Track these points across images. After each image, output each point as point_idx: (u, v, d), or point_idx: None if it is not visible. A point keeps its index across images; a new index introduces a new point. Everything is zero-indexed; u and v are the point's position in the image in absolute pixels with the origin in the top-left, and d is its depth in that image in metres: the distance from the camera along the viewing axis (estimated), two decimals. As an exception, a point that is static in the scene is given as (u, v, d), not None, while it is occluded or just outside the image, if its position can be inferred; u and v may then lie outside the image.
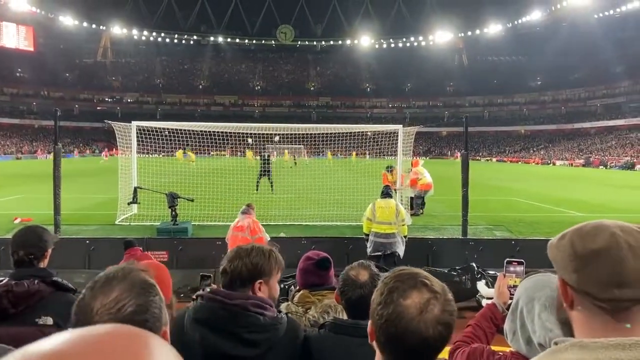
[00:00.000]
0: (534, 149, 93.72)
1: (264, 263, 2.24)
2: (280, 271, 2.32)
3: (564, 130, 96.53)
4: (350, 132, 17.81)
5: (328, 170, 20.35)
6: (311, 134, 19.51)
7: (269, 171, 20.20)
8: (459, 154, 45.93)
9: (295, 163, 41.43)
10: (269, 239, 8.09)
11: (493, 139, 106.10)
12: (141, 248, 6.64)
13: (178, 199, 12.20)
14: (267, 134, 18.93)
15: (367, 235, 8.60)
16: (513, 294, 2.19)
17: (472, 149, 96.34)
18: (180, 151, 33.85)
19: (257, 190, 20.28)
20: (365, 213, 8.68)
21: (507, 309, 2.07)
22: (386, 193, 8.74)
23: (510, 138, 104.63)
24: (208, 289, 2.61)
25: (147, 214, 14.14)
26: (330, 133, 18.17)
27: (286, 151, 42.86)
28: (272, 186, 20.18)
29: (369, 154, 41.24)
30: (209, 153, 26.49)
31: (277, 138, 20.71)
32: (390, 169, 15.97)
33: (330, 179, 19.43)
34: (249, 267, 2.21)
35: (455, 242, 10.04)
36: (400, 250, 8.37)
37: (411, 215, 15.25)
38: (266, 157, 20.59)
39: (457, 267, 7.11)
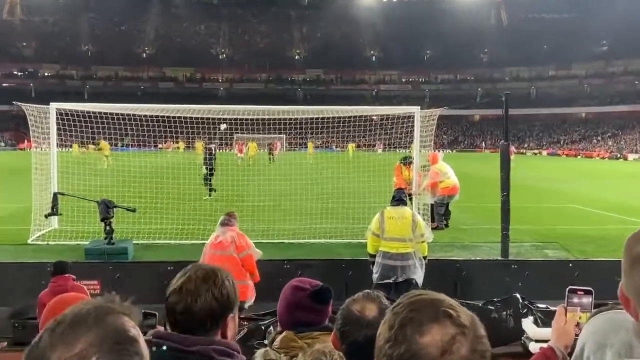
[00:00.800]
0: (599, 138, 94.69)
1: (231, 292, 2.25)
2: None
3: None
4: (350, 117, 17.87)
5: (317, 169, 20.43)
6: (296, 119, 19.54)
7: (212, 169, 20.86)
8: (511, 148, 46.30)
9: (272, 159, 41.53)
10: (261, 254, 8.26)
11: (543, 125, 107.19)
12: (74, 277, 6.60)
13: (114, 209, 12.15)
14: (237, 119, 18.94)
15: (373, 256, 8.62)
16: (577, 335, 2.21)
17: (514, 138, 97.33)
18: (106, 144, 33.96)
19: (209, 195, 20.66)
20: (370, 226, 8.71)
21: (570, 355, 2.08)
22: (399, 199, 8.75)
23: (567, 124, 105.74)
24: (153, 332, 2.60)
25: (72, 229, 14.07)
26: (322, 118, 18.21)
27: (253, 143, 42.94)
28: (210, 189, 20.98)
29: (380, 146, 41.61)
30: (156, 146, 26.41)
31: (223, 126, 20.81)
32: (407, 160, 16.09)
33: (322, 181, 19.48)
34: (220, 299, 2.21)
35: (492, 265, 10.09)
36: (419, 276, 8.40)
37: (432, 229, 15.32)
38: (212, 152, 21.12)
39: (495, 300, 7.15)
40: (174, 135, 18.75)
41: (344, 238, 14.16)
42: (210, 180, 21.07)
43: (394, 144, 19.09)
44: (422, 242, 8.56)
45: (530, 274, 9.42)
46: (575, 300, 2.45)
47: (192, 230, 14.40)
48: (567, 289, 2.48)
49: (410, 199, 15.91)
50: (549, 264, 10.41)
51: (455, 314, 1.39)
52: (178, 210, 16.62)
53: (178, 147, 38.44)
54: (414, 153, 15.66)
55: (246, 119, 18.54)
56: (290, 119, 19.05)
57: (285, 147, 55.99)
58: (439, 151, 18.60)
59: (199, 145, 37.99)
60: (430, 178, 16.01)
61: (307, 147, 49.53)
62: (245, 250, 7.86)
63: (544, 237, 14.66)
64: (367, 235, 8.80)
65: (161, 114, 16.48)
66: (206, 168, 21.06)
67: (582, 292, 2.47)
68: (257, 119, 18.58)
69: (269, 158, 42.32)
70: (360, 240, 12.94)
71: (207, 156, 21.17)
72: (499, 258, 10.80)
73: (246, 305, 7.78)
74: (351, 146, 46.53)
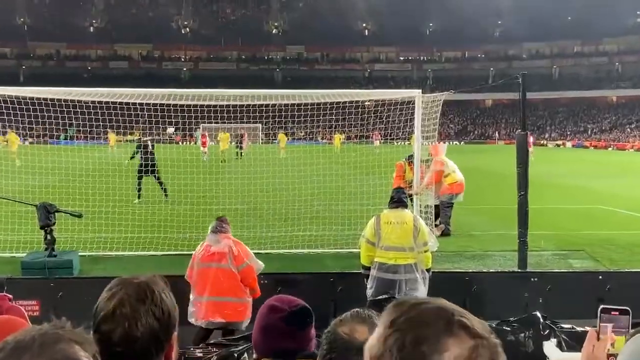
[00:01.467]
0: (632, 127, 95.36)
1: (171, 307, 2.24)
2: None
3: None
4: (338, 103, 17.86)
5: (298, 165, 20.39)
6: (274, 106, 19.53)
7: (153, 167, 20.60)
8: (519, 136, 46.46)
9: (241, 154, 41.38)
10: (262, 267, 8.32)
11: (567, 111, 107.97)
12: (10, 296, 6.53)
13: (56, 215, 12.06)
14: (203, 106, 18.87)
15: (368, 268, 8.63)
16: None
17: (533, 127, 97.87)
18: (15, 136, 34.08)
19: (139, 198, 20.60)
20: (364, 233, 8.70)
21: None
22: (398, 200, 8.75)
23: (595, 109, 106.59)
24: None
25: (5, 238, 13.96)
26: (306, 104, 18.18)
27: (225, 134, 42.74)
28: (164, 191, 20.88)
29: (377, 137, 41.39)
30: (107, 139, 26.31)
31: (171, 130, 20.83)
32: (410, 158, 16.15)
33: (304, 179, 19.46)
34: (162, 319, 2.19)
35: (508, 278, 10.14)
36: (421, 292, 8.42)
37: (439, 236, 15.40)
38: (149, 148, 21.11)
39: (511, 319, 7.18)
40: (128, 126, 18.65)
41: (332, 247, 14.16)
42: (157, 178, 20.94)
43: (391, 135, 19.13)
44: (425, 251, 8.57)
45: (552, 289, 9.46)
46: (609, 321, 2.42)
47: (150, 240, 14.34)
48: (599, 309, 2.45)
49: (411, 200, 15.97)
50: (575, 276, 10.47)
51: (470, 324, 1.41)
52: (133, 215, 16.53)
53: (133, 140, 38.46)
54: (414, 146, 15.66)
55: (214, 106, 18.45)
56: (267, 105, 19.07)
57: (261, 139, 55.91)
58: (442, 142, 18.68)
59: (112, 137, 37.87)
60: (434, 170, 16.03)
61: (288, 138, 49.42)
62: (245, 262, 7.90)
63: (568, 244, 14.74)
64: (360, 244, 8.80)
65: (112, 100, 16.37)
66: (141, 166, 20.73)
67: (617, 312, 2.42)
68: (227, 106, 18.51)
69: (237, 152, 42.08)
70: (352, 250, 12.95)
71: (143, 152, 20.93)
72: (516, 270, 10.83)
73: (243, 327, 7.84)
74: (338, 137, 46.48)
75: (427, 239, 8.67)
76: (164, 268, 12.48)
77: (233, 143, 44.97)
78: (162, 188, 20.92)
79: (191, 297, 8.05)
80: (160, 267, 12.58)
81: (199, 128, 45.05)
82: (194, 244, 14.13)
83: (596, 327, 2.42)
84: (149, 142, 21.49)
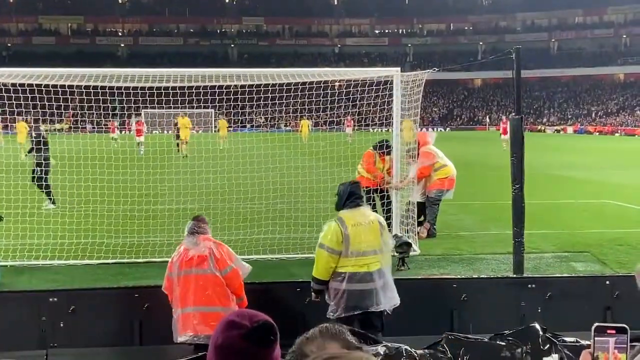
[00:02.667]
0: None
1: None
2: None
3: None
4: (304, 84, 17.81)
5: (258, 157, 20.37)
6: (229, 88, 19.39)
7: (46, 163, 19.71)
8: (505, 121, 46.92)
9: (178, 145, 41.08)
10: (250, 269, 8.30)
11: (568, 92, 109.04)
12: None
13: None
14: (143, 89, 18.69)
15: (324, 283, 8.47)
16: None
17: (529, 110, 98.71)
18: None
19: (51, 202, 19.89)
20: (322, 241, 8.38)
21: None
22: (356, 196, 8.60)
23: (600, 89, 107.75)
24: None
25: None
26: (266, 86, 18.10)
27: (184, 119, 42.25)
28: (48, 195, 20.03)
29: (349, 124, 41.17)
30: (30, 127, 25.95)
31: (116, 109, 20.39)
32: (383, 147, 16.09)
33: (266, 173, 19.45)
34: None
35: (501, 284, 10.20)
36: (392, 302, 8.40)
37: (424, 237, 15.50)
38: (42, 137, 20.04)
39: (506, 333, 7.24)
40: (56, 112, 18.39)
41: (299, 252, 14.16)
42: (45, 181, 19.74)
43: (366, 121, 19.18)
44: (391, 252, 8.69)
45: (553, 296, 9.54)
46: (605, 340, 2.44)
47: (84, 247, 14.26)
48: (593, 327, 2.48)
49: (382, 198, 16.01)
50: (579, 281, 10.55)
51: None
52: (63, 219, 16.39)
53: (62, 128, 37.88)
54: (393, 133, 15.65)
55: (158, 89, 18.34)
56: (221, 87, 18.91)
57: (215, 127, 55.60)
58: (431, 130, 18.73)
59: (21, 126, 36.77)
60: (421, 163, 15.99)
61: (247, 125, 49.12)
62: (229, 265, 7.92)
63: (570, 245, 14.87)
64: (318, 255, 8.41)
65: (37, 82, 16.19)
66: (36, 163, 19.91)
67: (614, 331, 2.47)
68: (172, 88, 18.41)
69: (177, 144, 41.31)
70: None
71: (36, 144, 20.17)
72: (511, 275, 10.94)
73: None
74: (305, 124, 46.33)
75: (387, 238, 8.74)
76: (100, 279, 12.45)
77: (173, 132, 44.49)
78: (44, 189, 19.91)
79: (174, 313, 8.07)
80: (96, 278, 12.54)
81: (140, 115, 44.44)
82: (136, 251, 14.20)
83: (590, 348, 2.46)
84: (42, 132, 20.65)
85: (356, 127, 32.68)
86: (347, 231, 8.26)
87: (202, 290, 7.84)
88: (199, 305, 7.86)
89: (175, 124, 42.52)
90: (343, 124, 36.61)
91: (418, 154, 16.07)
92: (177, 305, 8.01)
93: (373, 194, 15.90)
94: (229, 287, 7.94)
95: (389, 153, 15.82)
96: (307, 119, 44.46)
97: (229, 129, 44.79)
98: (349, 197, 8.58)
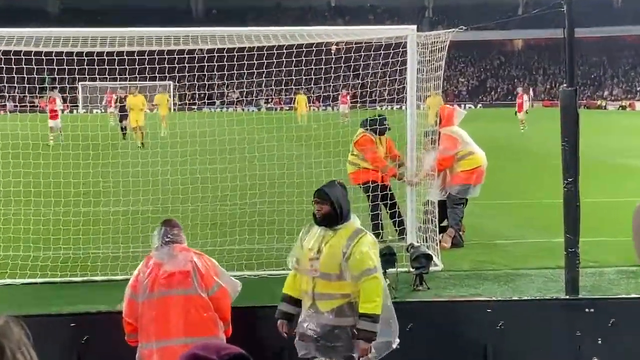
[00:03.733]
0: None
1: None
2: None
3: None
4: (290, 47, 17.82)
5: (228, 142, 20.35)
6: (192, 53, 19.34)
7: None
8: (521, 95, 47.05)
9: (123, 130, 40.88)
10: (239, 287, 8.32)
11: (636, 56, 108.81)
12: None
13: None
14: (80, 55, 18.65)
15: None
16: None
17: (585, 80, 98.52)
18: None
19: None
20: (372, 263, 8.38)
21: None
22: (323, 196, 8.59)
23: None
24: None
25: None
26: (241, 50, 18.05)
27: (137, 97, 42.00)
28: None
29: (345, 101, 40.80)
30: None
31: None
32: (377, 125, 16.10)
33: (239, 164, 19.44)
34: None
35: (550, 308, 10.23)
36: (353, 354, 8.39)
37: (449, 247, 15.53)
38: None
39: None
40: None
41: (284, 267, 14.14)
42: None
43: (371, 96, 19.12)
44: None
45: (618, 324, 9.57)
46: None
47: (2, 262, 14.42)
48: None
49: (386, 197, 16.02)
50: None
51: None
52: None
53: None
54: (407, 112, 15.64)
55: (99, 55, 18.28)
56: (182, 52, 18.88)
57: (175, 104, 55.47)
58: (456, 106, 18.67)
59: None
60: (442, 151, 15.97)
61: (216, 101, 48.79)
62: (216, 283, 7.87)
63: (640, 257, 14.89)
64: (373, 284, 8.47)
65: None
66: None
67: None
68: (118, 54, 18.31)
69: (122, 129, 41.00)
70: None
71: None
72: (562, 296, 10.94)
73: None
74: (302, 100, 46.39)
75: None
76: (25, 303, 12.45)
77: (115, 111, 44.10)
78: None
79: (140, 348, 8.02)
80: (20, 302, 12.54)
81: (55, 89, 43.40)
82: (72, 267, 14.18)
83: None
84: None
85: (358, 105, 32.67)
86: (301, 244, 8.70)
87: (186, 317, 7.78)
88: (182, 336, 7.74)
89: (120, 103, 42.33)
90: (337, 100, 36.67)
91: (439, 138, 16.06)
92: (148, 338, 7.92)
93: (381, 192, 15.95)
94: (216, 309, 7.91)
95: (382, 131, 15.93)
96: (304, 93, 44.52)
97: (174, 106, 44.68)
98: (315, 194, 8.70)
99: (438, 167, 15.82)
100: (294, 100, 47.59)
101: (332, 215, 8.39)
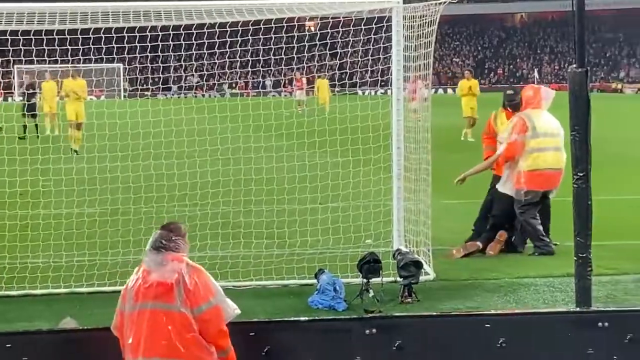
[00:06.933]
0: None
1: None
2: None
3: None
4: (257, 24, 17.80)
5: (186, 135, 20.35)
6: (144, 32, 19.28)
7: None
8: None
9: (71, 141, 40.63)
10: (237, 312, 8.13)
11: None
12: None
13: None
14: (16, 34, 18.60)
15: None
16: None
17: (598, 59, 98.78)
18: None
19: None
20: None
21: None
22: None
23: None
24: None
25: None
26: (200, 28, 18.00)
27: (71, 80, 41.60)
28: None
29: (301, 84, 40.42)
30: None
31: None
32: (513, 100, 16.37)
33: (200, 159, 19.40)
34: None
35: (559, 322, 10.20)
36: None
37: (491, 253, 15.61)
38: None
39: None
40: None
41: (252, 277, 14.18)
42: None
43: (351, 78, 19.07)
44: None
45: (637, 340, 9.58)
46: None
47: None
48: None
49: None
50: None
51: None
52: None
53: None
54: (392, 97, 15.61)
55: (37, 33, 18.21)
56: (132, 30, 18.82)
57: (126, 90, 55.28)
58: (544, 86, 18.46)
59: None
60: (509, 139, 15.97)
61: (172, 86, 48.69)
62: (206, 302, 7.66)
63: (662, 263, 14.91)
64: None
65: None
66: None
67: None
68: (58, 33, 18.27)
69: (31, 126, 39.72)
70: (287, 282, 13.10)
71: None
72: (573, 309, 10.94)
73: None
74: (324, 84, 46.39)
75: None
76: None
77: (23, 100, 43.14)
78: None
79: None
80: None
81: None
82: (7, 279, 14.12)
83: None
84: None
85: (337, 89, 32.80)
86: None
87: (160, 335, 7.58)
88: (159, 357, 7.60)
89: (30, 88, 41.12)
90: (296, 84, 36.57)
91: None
92: (127, 355, 7.82)
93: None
94: (204, 333, 7.67)
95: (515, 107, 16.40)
96: (322, 77, 44.49)
97: (124, 92, 44.24)
98: None
99: (501, 158, 16.11)
100: (315, 84, 47.52)
101: None
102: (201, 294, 7.64)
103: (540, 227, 16.01)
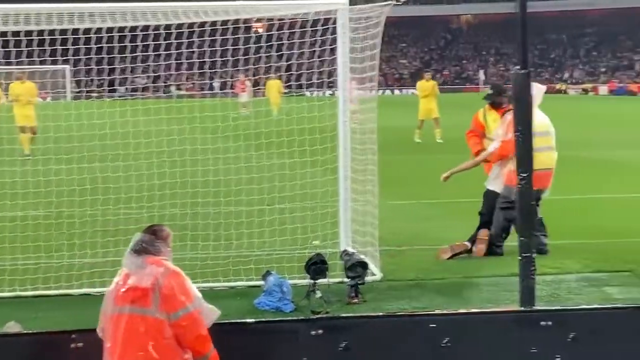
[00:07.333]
0: None
1: None
2: None
3: None
4: (203, 25, 17.78)
5: (132, 135, 20.25)
6: (88, 33, 19.19)
7: None
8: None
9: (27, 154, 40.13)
10: (218, 315, 8.12)
11: (600, 34, 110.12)
12: None
13: None
14: None
15: None
16: None
17: (542, 61, 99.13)
18: None
19: None
20: None
21: None
22: None
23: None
24: None
25: None
26: (145, 29, 17.91)
27: (21, 84, 41.25)
28: None
29: (245, 87, 40.37)
30: None
31: None
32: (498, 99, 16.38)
33: (145, 159, 19.34)
34: None
35: (502, 322, 10.32)
36: None
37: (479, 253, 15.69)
38: None
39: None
40: None
41: (194, 280, 14.13)
42: None
43: (298, 80, 19.05)
44: None
45: (579, 338, 9.67)
46: None
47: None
48: None
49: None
50: (617, 315, 10.70)
51: None
52: None
53: None
54: (339, 99, 15.61)
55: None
56: (77, 32, 18.72)
57: (71, 90, 54.77)
58: (536, 84, 18.40)
59: None
60: (505, 137, 15.67)
61: (117, 88, 48.29)
62: (183, 307, 7.56)
63: (603, 262, 15.03)
64: None
65: None
66: None
67: None
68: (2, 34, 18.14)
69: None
70: (246, 283, 13.23)
71: None
72: (515, 308, 11.04)
73: None
74: (274, 85, 45.96)
75: None
76: None
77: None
78: None
79: None
80: None
81: None
82: None
83: None
84: None
85: (284, 91, 32.84)
86: None
87: (135, 341, 7.51)
88: None
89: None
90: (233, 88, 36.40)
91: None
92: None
93: None
94: (180, 338, 7.57)
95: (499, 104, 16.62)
96: (277, 77, 44.30)
97: (70, 94, 43.60)
98: None
99: (496, 155, 16.16)
100: (265, 87, 47.15)
101: None
102: (178, 299, 7.57)
103: (509, 231, 15.93)
